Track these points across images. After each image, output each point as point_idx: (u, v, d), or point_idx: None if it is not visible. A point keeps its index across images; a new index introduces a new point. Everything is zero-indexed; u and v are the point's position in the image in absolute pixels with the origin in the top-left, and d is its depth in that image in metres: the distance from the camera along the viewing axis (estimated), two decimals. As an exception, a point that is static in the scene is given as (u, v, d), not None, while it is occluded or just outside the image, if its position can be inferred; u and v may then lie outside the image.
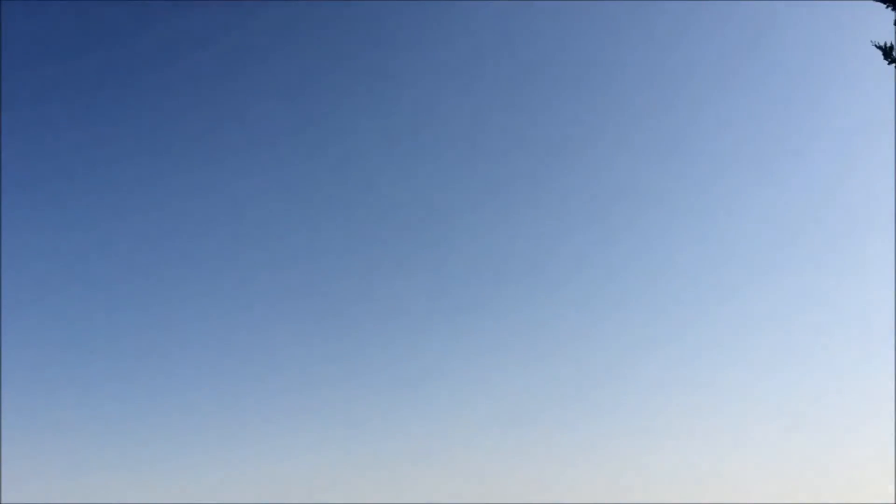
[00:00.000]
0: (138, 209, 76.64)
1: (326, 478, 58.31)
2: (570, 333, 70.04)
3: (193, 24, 77.67)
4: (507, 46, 77.78)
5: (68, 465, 58.48)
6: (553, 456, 58.99)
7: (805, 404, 60.79)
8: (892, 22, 14.16)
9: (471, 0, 72.64)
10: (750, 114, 75.63)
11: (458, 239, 77.81)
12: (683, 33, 75.72)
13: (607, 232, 76.33)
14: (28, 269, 70.91)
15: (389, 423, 63.09)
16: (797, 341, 65.87)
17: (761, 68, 73.44)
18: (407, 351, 70.20)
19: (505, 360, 67.48)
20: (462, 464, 59.58)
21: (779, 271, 70.72)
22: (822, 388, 62.11)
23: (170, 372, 66.69)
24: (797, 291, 69.03)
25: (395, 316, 72.78)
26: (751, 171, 75.41)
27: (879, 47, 14.30)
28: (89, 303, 71.40)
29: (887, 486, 47.02)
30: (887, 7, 14.19)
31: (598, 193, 78.30)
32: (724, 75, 76.30)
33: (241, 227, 77.09)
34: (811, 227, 72.65)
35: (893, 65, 14.14)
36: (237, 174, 79.43)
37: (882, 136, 62.22)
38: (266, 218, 77.75)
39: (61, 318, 69.63)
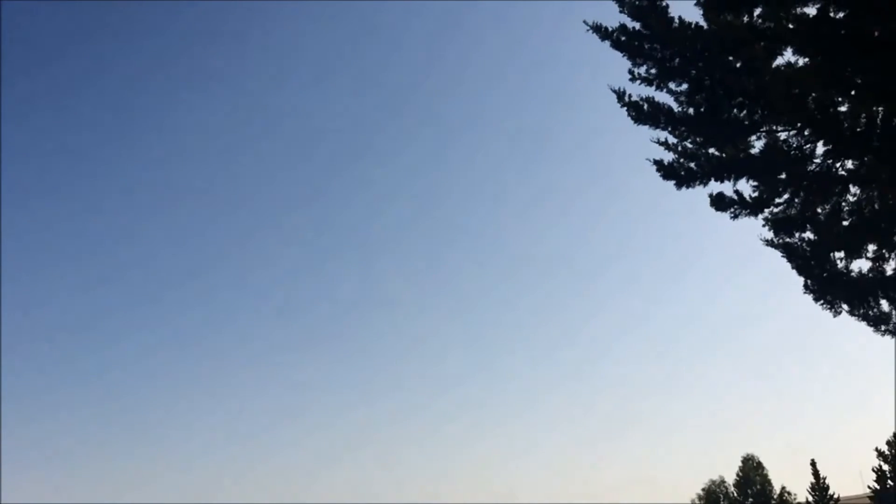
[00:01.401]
0: (138, 209, 76.89)
1: (321, 476, 58.62)
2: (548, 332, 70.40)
3: (195, 25, 77.92)
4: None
5: (68, 465, 58.81)
6: (534, 454, 59.36)
7: (803, 403, 61.08)
8: (626, 70, 14.70)
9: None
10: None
11: (449, 238, 77.88)
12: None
13: (604, 233, 76.65)
14: (28, 269, 71.19)
15: (386, 422, 63.48)
16: (795, 339, 66.22)
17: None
18: (404, 351, 70.67)
19: (499, 361, 67.90)
20: (457, 462, 59.88)
21: (774, 269, 71.03)
22: (820, 387, 62.44)
23: (170, 373, 67.09)
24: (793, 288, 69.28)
25: (392, 317, 73.15)
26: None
27: (614, 91, 14.94)
28: (89, 304, 71.76)
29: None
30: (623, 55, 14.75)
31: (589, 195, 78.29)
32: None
33: (241, 227, 77.34)
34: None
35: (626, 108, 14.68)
36: (236, 173, 79.62)
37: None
38: (265, 215, 78.00)
39: (61, 318, 69.98)
